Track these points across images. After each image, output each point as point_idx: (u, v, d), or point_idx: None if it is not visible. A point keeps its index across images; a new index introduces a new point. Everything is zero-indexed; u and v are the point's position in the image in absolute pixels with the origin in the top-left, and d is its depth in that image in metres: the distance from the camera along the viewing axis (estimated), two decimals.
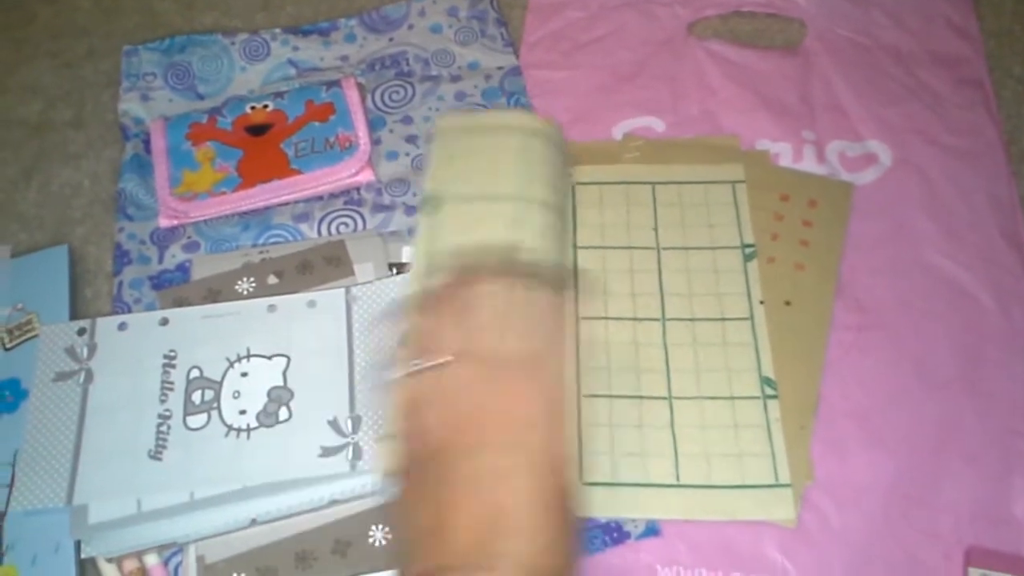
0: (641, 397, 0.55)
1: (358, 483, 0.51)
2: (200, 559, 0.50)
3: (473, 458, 0.41)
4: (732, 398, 0.55)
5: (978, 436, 0.54)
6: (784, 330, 0.57)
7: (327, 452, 0.51)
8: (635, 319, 0.57)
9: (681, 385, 0.56)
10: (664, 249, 0.60)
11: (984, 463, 0.53)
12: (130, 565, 0.52)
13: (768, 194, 0.62)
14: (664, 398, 0.55)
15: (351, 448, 0.51)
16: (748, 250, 0.59)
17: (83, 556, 0.50)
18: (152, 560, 0.52)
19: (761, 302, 0.58)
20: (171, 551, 0.52)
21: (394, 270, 0.60)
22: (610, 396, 0.55)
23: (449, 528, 0.39)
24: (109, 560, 0.51)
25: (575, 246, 0.60)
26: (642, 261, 0.59)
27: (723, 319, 0.57)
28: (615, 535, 0.52)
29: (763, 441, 0.53)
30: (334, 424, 0.52)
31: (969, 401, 0.55)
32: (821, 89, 0.66)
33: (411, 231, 0.62)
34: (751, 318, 0.57)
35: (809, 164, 0.63)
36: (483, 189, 0.57)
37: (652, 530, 0.53)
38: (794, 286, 0.58)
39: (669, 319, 0.57)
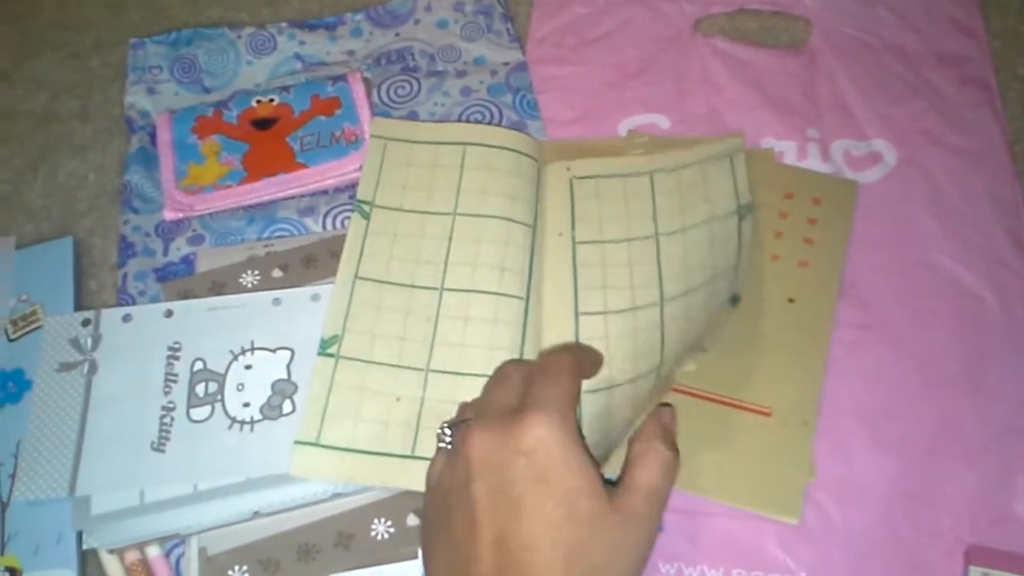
0: (635, 380, 0.55)
1: None
2: (202, 551, 0.51)
3: None
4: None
5: (980, 435, 0.54)
6: (787, 327, 0.57)
7: None
8: (634, 308, 0.57)
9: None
10: (663, 235, 0.59)
11: (986, 462, 0.53)
12: (132, 556, 0.52)
13: (772, 192, 0.61)
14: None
15: None
16: (742, 210, 0.59)
17: (85, 547, 0.50)
18: (154, 552, 0.52)
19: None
20: (173, 543, 0.52)
21: None
22: (610, 388, 0.55)
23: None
24: (111, 551, 0.51)
25: (575, 241, 0.59)
26: (641, 253, 0.59)
27: (714, 283, 0.57)
28: None
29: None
30: None
31: (971, 400, 0.54)
32: (826, 88, 0.66)
33: None
34: (737, 267, 0.57)
35: (814, 162, 0.63)
36: (414, 203, 0.59)
37: None
38: (798, 284, 0.58)
39: (666, 300, 0.57)
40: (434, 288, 0.56)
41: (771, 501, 0.52)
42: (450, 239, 0.57)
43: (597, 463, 0.44)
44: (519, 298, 0.56)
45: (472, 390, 0.50)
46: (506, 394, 0.46)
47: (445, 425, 0.47)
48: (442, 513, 0.44)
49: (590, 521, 0.41)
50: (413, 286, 0.56)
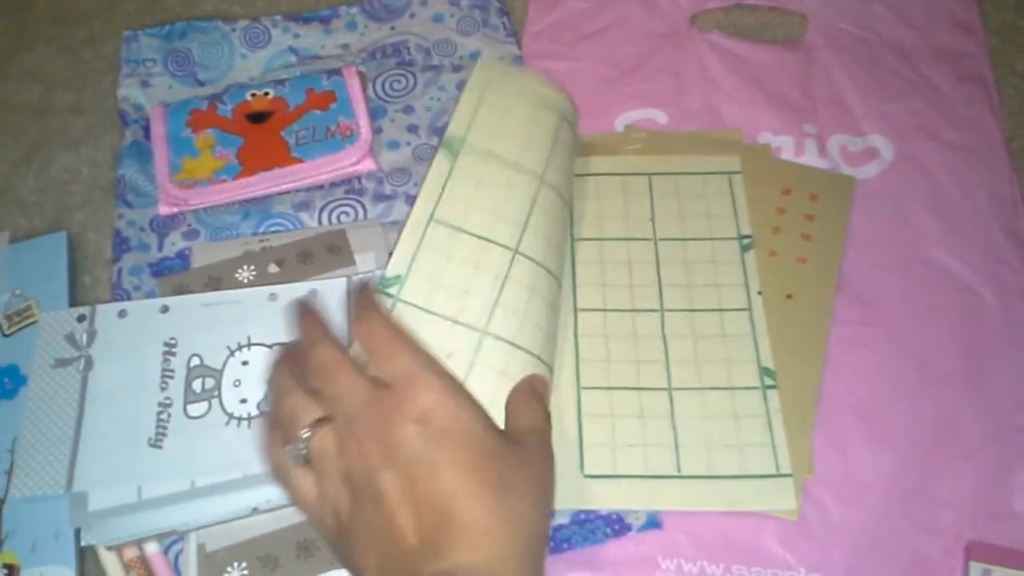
0: (641, 388, 0.55)
1: None
2: (201, 547, 0.50)
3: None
4: (732, 388, 0.55)
5: (979, 431, 0.54)
6: (785, 323, 0.57)
7: None
8: (633, 310, 0.57)
9: (681, 376, 0.55)
10: (661, 240, 0.60)
11: (985, 458, 0.53)
12: (130, 553, 0.51)
13: (770, 188, 0.61)
14: (664, 389, 0.55)
15: None
16: (745, 241, 0.59)
17: (83, 544, 0.50)
18: (152, 548, 0.52)
19: (759, 293, 0.58)
20: (171, 539, 0.52)
21: None
22: (610, 388, 0.55)
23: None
24: (109, 548, 0.51)
25: (572, 238, 0.60)
26: (640, 253, 0.59)
27: (721, 310, 0.57)
28: (616, 527, 0.53)
29: (763, 431, 0.53)
30: None
31: (970, 396, 0.55)
32: (823, 83, 0.66)
33: None
34: (749, 309, 0.57)
35: (811, 158, 0.63)
36: (507, 153, 0.54)
37: (653, 522, 0.53)
38: (796, 279, 0.58)
39: (667, 310, 0.57)
40: (509, 248, 0.52)
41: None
42: (533, 204, 0.53)
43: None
44: (560, 287, 0.55)
45: (523, 367, 0.49)
46: (356, 386, 0.44)
47: (294, 441, 0.44)
48: (352, 519, 0.42)
49: (499, 456, 0.42)
50: (489, 240, 0.52)
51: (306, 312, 0.50)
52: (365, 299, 0.48)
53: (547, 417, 0.48)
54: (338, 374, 0.44)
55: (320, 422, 0.44)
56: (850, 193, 0.61)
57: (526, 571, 0.41)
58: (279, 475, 0.46)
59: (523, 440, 0.45)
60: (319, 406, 0.44)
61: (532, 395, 0.48)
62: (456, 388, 0.44)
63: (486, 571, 0.39)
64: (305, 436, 0.43)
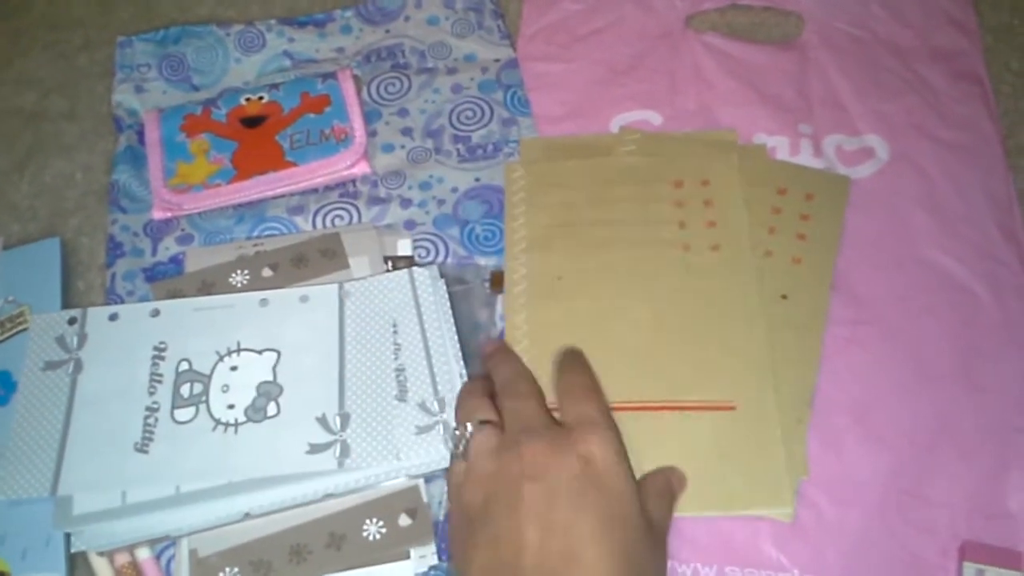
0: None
1: (351, 478, 0.50)
2: (193, 553, 0.50)
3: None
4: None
5: (974, 431, 0.53)
6: (780, 324, 0.56)
7: (315, 449, 0.50)
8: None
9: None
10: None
11: (980, 458, 0.53)
12: (122, 559, 0.51)
13: (765, 188, 0.61)
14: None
15: (339, 445, 0.50)
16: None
17: (73, 550, 0.50)
18: (144, 554, 0.52)
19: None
20: (163, 545, 0.52)
21: (389, 263, 0.59)
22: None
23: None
24: (100, 554, 0.51)
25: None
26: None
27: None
28: None
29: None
30: (322, 421, 0.51)
31: (965, 396, 0.54)
32: (818, 83, 0.65)
33: (406, 224, 0.62)
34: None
35: (806, 158, 0.63)
36: None
37: None
38: (790, 280, 0.58)
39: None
40: None
41: (759, 496, 0.52)
42: None
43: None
44: None
45: None
46: (536, 406, 0.49)
47: (462, 428, 0.49)
48: (481, 515, 0.45)
49: (635, 529, 0.44)
50: None
51: (504, 349, 0.56)
52: (573, 355, 0.54)
53: (672, 515, 0.50)
54: (529, 399, 0.50)
55: (489, 424, 0.48)
56: (845, 193, 0.61)
57: None
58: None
59: (656, 523, 0.46)
60: (490, 409, 0.49)
61: (666, 490, 0.50)
62: (620, 444, 0.47)
63: None
64: (471, 429, 0.48)
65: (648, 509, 0.46)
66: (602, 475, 0.44)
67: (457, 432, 0.49)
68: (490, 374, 0.53)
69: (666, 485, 0.50)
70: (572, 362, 0.54)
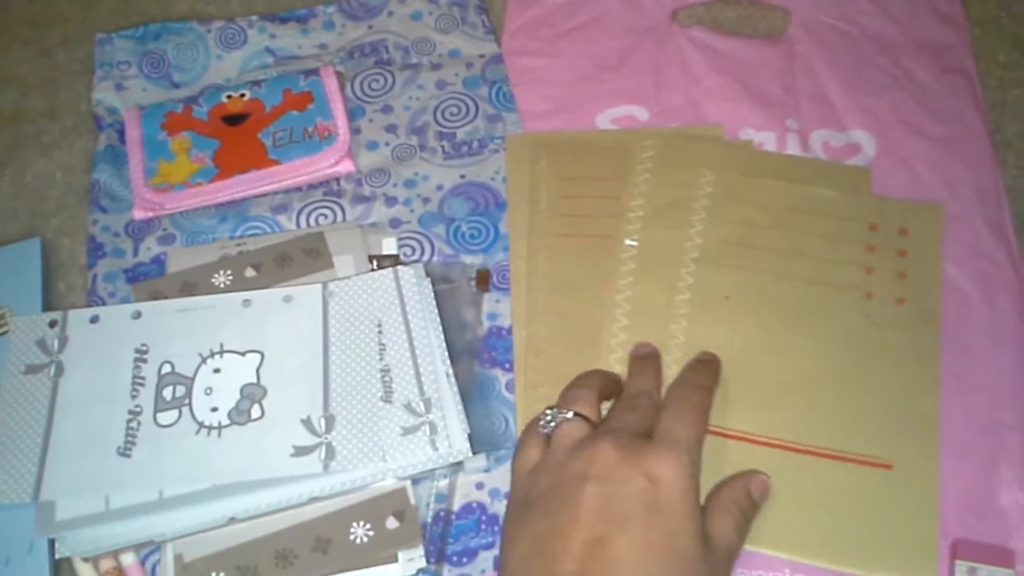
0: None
1: (336, 481, 0.50)
2: (178, 558, 0.50)
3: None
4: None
5: (963, 428, 0.53)
6: (895, 369, 0.54)
7: (299, 452, 0.50)
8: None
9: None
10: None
11: (970, 455, 0.52)
12: (106, 564, 0.51)
13: (856, 224, 0.58)
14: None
15: (324, 448, 0.50)
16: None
17: (57, 556, 0.49)
18: (129, 559, 0.51)
19: None
20: (148, 550, 0.51)
21: (374, 262, 0.59)
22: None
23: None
24: (85, 560, 0.50)
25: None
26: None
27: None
28: None
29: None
30: (307, 423, 0.51)
31: (954, 393, 0.54)
32: (805, 78, 0.65)
33: (391, 222, 0.61)
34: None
35: (793, 153, 0.62)
36: None
37: None
38: (897, 321, 0.55)
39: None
40: None
41: (902, 564, 0.50)
42: None
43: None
44: None
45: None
46: (639, 420, 0.48)
47: (548, 412, 0.49)
48: (537, 502, 0.45)
49: (684, 562, 0.42)
50: None
51: (654, 361, 0.54)
52: (704, 365, 0.53)
53: (743, 532, 0.47)
54: (636, 406, 0.49)
55: (583, 419, 0.48)
56: (939, 222, 0.58)
57: None
58: (524, 435, 0.50)
59: (716, 556, 0.44)
60: (594, 410, 0.49)
61: (738, 502, 0.48)
62: (696, 479, 0.45)
63: None
64: (564, 415, 0.48)
65: (710, 528, 0.45)
66: (664, 497, 0.43)
67: (549, 414, 0.49)
68: (628, 376, 0.53)
69: (741, 496, 0.48)
70: (697, 373, 0.53)
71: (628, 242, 0.59)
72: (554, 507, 0.44)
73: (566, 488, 0.44)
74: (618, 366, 0.55)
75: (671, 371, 0.54)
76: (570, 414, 0.48)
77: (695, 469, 0.45)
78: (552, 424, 0.48)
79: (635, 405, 0.50)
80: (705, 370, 0.53)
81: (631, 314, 0.57)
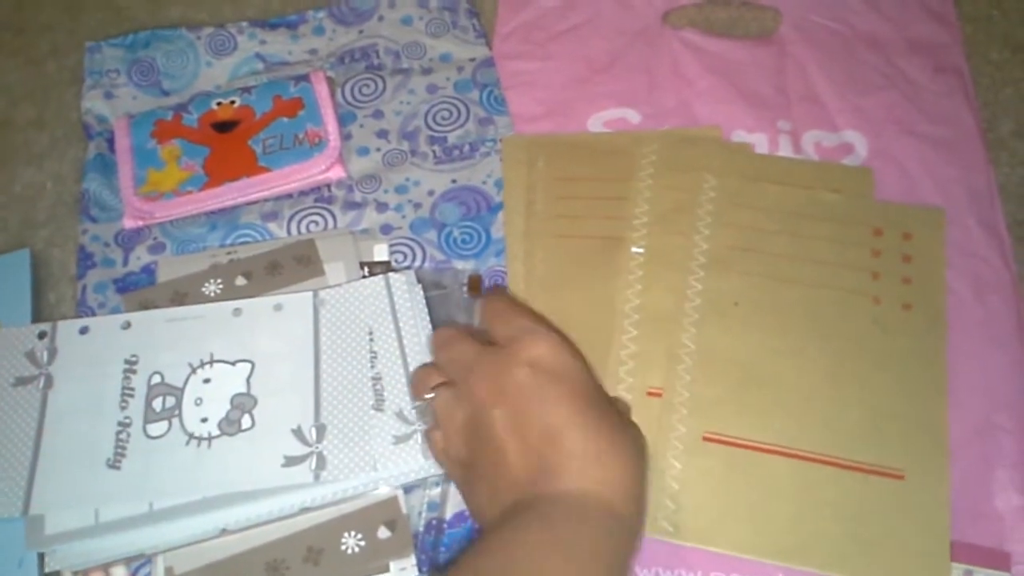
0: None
1: (328, 491, 0.50)
2: (169, 570, 0.49)
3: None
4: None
5: (957, 430, 0.53)
6: (904, 376, 0.54)
7: (290, 462, 0.50)
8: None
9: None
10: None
11: (965, 457, 0.52)
12: None
13: (860, 229, 0.58)
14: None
15: (315, 457, 0.50)
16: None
17: (47, 570, 0.49)
18: (119, 572, 0.51)
19: None
20: (139, 563, 0.51)
21: (365, 269, 0.58)
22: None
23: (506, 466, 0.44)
24: (75, 573, 0.50)
25: None
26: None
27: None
28: None
29: None
30: (298, 433, 0.51)
31: (948, 394, 0.53)
32: (796, 78, 0.65)
33: (383, 229, 0.61)
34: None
35: (785, 154, 0.62)
36: None
37: None
38: (905, 328, 0.55)
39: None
40: None
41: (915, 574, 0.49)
42: None
43: None
44: None
45: None
46: (472, 346, 0.49)
47: (422, 401, 0.50)
48: (469, 459, 0.46)
49: (603, 401, 0.45)
50: None
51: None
52: (495, 289, 0.56)
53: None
54: (455, 342, 0.49)
55: (441, 385, 0.48)
56: (942, 226, 0.58)
57: (634, 497, 0.43)
58: (427, 433, 0.50)
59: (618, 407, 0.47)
60: (439, 374, 0.49)
61: None
62: (567, 342, 0.46)
63: (596, 495, 0.42)
64: (428, 397, 0.49)
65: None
66: (554, 369, 0.45)
67: (416, 408, 0.51)
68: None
69: None
70: (492, 294, 0.54)
71: (634, 249, 0.59)
72: (482, 450, 0.45)
73: (480, 431, 0.45)
74: (629, 378, 0.55)
75: (682, 380, 0.54)
76: (430, 394, 0.49)
77: (565, 340, 0.47)
78: (430, 413, 0.49)
79: (445, 341, 0.50)
80: (496, 290, 0.57)
81: (640, 323, 0.57)
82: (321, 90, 0.65)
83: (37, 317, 0.59)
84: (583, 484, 0.42)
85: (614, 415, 0.45)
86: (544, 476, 0.43)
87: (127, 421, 0.51)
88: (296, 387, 0.52)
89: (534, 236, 0.60)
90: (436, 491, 0.52)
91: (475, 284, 0.59)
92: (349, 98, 0.67)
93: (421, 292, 0.56)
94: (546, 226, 0.60)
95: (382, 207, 0.62)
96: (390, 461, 0.50)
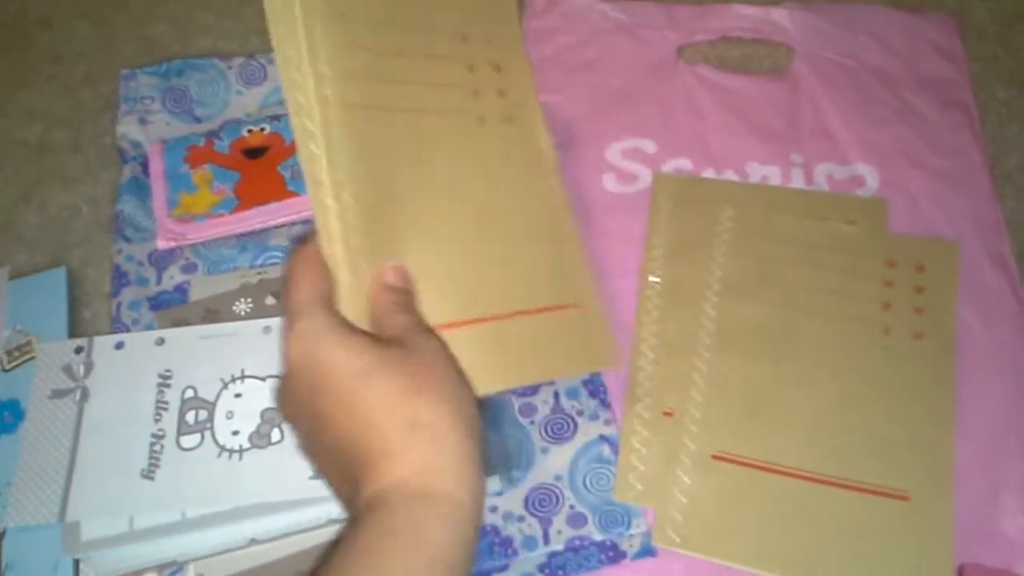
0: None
1: None
2: None
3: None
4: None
5: (966, 455, 0.54)
6: (912, 403, 0.55)
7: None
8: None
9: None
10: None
11: (973, 481, 0.53)
12: None
13: (874, 260, 0.60)
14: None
15: None
16: None
17: None
18: None
19: None
20: (171, 570, 0.52)
21: None
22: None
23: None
24: None
25: None
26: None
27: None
28: (611, 554, 0.53)
29: None
30: None
31: (957, 420, 0.55)
32: (809, 112, 0.67)
33: None
34: None
35: (797, 187, 0.64)
36: None
37: (647, 550, 0.53)
38: (914, 356, 0.57)
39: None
40: None
41: None
42: None
43: (360, 331, 0.42)
44: None
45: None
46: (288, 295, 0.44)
47: None
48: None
49: (382, 368, 0.40)
50: None
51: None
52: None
53: (414, 309, 0.44)
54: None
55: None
56: (955, 258, 0.60)
57: (460, 468, 0.39)
58: None
59: (406, 343, 0.42)
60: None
61: (389, 295, 0.44)
62: (321, 325, 0.41)
63: (417, 487, 0.38)
64: None
65: (388, 329, 0.42)
66: (315, 369, 0.40)
67: None
68: None
69: (384, 294, 0.44)
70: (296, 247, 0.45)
71: (651, 279, 0.61)
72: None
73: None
74: (647, 398, 0.57)
75: (695, 401, 0.56)
76: None
77: (316, 320, 0.41)
78: None
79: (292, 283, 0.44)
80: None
81: (657, 347, 0.58)
82: None
83: (73, 333, 0.61)
84: (392, 479, 0.38)
85: (403, 367, 0.40)
86: (356, 490, 0.39)
87: (161, 433, 0.53)
88: None
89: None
90: None
91: None
92: None
93: None
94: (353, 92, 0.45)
95: None
96: None
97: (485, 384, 0.44)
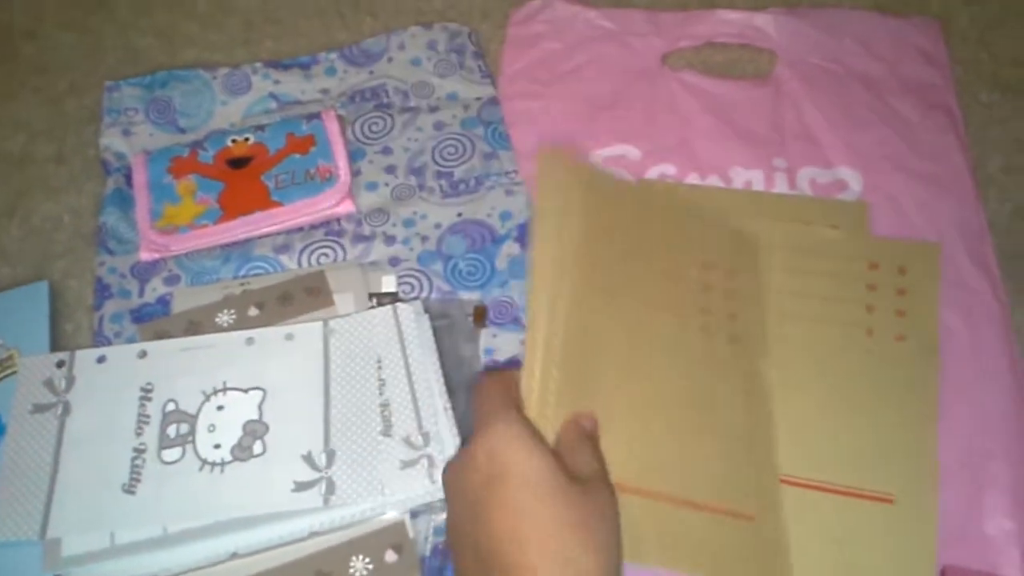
0: None
1: (336, 515, 0.51)
2: None
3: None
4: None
5: (949, 457, 0.54)
6: (894, 404, 0.55)
7: (300, 487, 0.51)
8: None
9: None
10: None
11: (956, 483, 0.53)
12: None
13: (856, 263, 0.60)
14: None
15: (324, 483, 0.51)
16: None
17: None
18: None
19: None
20: None
21: (374, 300, 0.60)
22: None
23: None
24: None
25: None
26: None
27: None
28: None
29: None
30: (308, 458, 0.52)
31: (940, 421, 0.55)
32: (792, 117, 0.67)
33: (391, 261, 0.63)
34: None
35: (781, 191, 0.64)
36: None
37: None
38: (897, 358, 0.57)
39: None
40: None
41: None
42: None
43: (553, 450, 0.44)
44: None
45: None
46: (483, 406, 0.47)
47: None
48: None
49: (559, 493, 0.42)
50: None
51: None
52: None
53: (601, 458, 0.47)
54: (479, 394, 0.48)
55: None
56: (936, 261, 0.60)
57: None
58: None
59: (586, 477, 0.44)
60: None
61: (578, 437, 0.47)
62: (515, 431, 0.44)
63: None
64: None
65: (570, 465, 0.44)
66: (500, 469, 0.42)
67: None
68: None
69: (577, 433, 0.47)
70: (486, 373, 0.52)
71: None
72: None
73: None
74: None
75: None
76: None
77: (514, 425, 0.44)
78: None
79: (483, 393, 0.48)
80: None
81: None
82: (332, 128, 0.67)
83: (55, 347, 0.61)
84: None
85: (578, 501, 0.42)
86: None
87: (142, 447, 0.53)
88: (306, 414, 0.54)
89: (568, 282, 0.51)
90: (442, 516, 0.53)
91: (480, 314, 0.60)
92: (359, 135, 0.69)
93: (428, 322, 0.58)
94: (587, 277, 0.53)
95: (390, 240, 0.64)
96: (397, 485, 0.51)
97: (631, 553, 0.45)
